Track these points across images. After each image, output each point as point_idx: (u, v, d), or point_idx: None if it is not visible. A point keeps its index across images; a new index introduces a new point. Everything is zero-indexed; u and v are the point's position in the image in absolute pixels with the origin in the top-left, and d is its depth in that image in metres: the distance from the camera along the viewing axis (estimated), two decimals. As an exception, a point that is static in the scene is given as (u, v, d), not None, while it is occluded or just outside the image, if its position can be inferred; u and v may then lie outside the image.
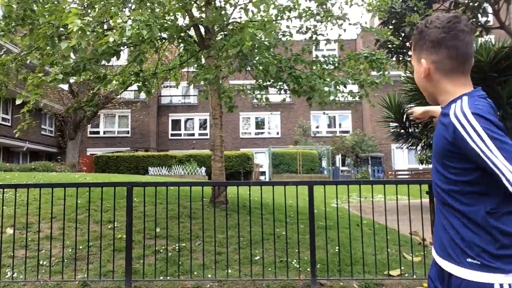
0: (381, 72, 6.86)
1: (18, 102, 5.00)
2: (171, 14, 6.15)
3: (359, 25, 7.11)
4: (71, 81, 6.69)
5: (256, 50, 5.96)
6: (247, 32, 5.24)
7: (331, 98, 6.89)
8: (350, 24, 7.07)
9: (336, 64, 6.90)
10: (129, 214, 4.21)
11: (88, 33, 4.16)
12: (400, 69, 10.13)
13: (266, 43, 6.03)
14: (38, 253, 4.30)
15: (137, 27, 4.46)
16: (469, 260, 1.30)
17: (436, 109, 1.66)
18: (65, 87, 20.84)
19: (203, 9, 6.65)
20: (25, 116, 5.67)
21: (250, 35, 5.21)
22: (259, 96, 7.83)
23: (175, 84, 8.58)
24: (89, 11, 5.42)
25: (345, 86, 7.10)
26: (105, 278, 4.13)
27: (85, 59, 5.02)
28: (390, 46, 9.00)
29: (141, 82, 6.05)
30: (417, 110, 1.95)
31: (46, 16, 4.82)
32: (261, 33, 5.48)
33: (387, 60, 7.04)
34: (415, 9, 8.60)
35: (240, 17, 7.14)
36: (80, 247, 4.74)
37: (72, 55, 4.42)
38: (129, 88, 7.76)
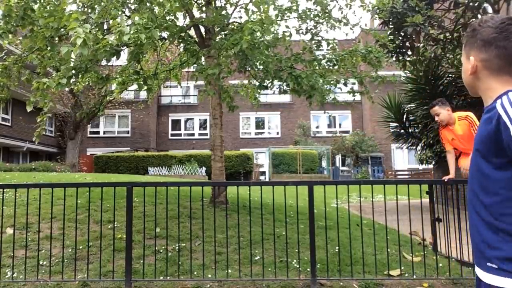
0: (376, 69, 6.88)
1: (28, 109, 4.99)
2: (171, 14, 6.15)
3: (359, 27, 7.13)
4: (71, 81, 6.65)
5: (256, 50, 5.96)
6: (246, 27, 5.23)
7: (331, 96, 6.90)
8: (350, 28, 7.09)
9: (335, 61, 6.90)
10: (129, 214, 4.22)
11: (90, 43, 4.16)
12: (399, 68, 10.13)
13: (265, 42, 6.03)
14: (38, 253, 4.30)
15: (135, 31, 4.46)
16: (488, 264, 1.27)
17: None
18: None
19: (203, 8, 6.66)
20: (42, 122, 5.66)
21: (249, 30, 5.20)
22: (255, 97, 7.84)
23: (177, 83, 8.60)
24: (89, 10, 5.42)
25: (345, 85, 7.11)
26: (105, 278, 4.13)
27: (86, 60, 5.02)
28: (389, 46, 8.99)
29: (141, 80, 6.05)
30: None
31: (46, 18, 4.82)
32: (260, 29, 5.46)
33: (383, 55, 7.04)
34: (416, 9, 8.59)
35: (240, 17, 7.14)
36: (80, 247, 4.74)
37: (72, 54, 4.41)
38: (129, 88, 7.77)
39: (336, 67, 6.98)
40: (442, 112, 4.73)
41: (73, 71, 5.12)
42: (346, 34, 7.36)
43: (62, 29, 5.06)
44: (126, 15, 5.20)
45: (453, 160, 4.92)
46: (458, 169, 4.94)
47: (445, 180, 4.53)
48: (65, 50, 4.21)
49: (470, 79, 1.45)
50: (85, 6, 5.52)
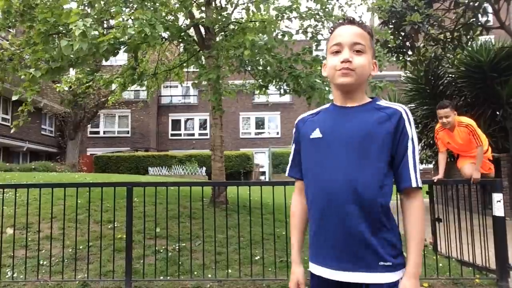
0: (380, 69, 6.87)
1: (14, 98, 4.98)
2: (172, 14, 6.14)
3: None
4: (72, 71, 6.64)
5: (256, 51, 5.94)
6: (246, 38, 5.19)
7: (331, 97, 6.89)
8: None
9: None
10: (129, 214, 4.21)
11: (90, 37, 4.15)
12: (400, 68, 10.12)
13: (268, 46, 6.02)
14: (38, 253, 4.30)
15: (139, 25, 4.43)
16: (381, 263, 1.32)
17: None
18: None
19: (203, 8, 6.65)
20: (23, 113, 5.63)
21: (251, 42, 5.15)
22: (260, 94, 7.85)
23: (179, 82, 8.60)
24: (88, 10, 5.41)
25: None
26: (105, 278, 4.13)
27: (83, 55, 4.98)
28: (390, 45, 8.98)
29: (136, 76, 6.03)
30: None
31: (45, 13, 4.80)
32: (261, 36, 5.43)
33: (385, 57, 7.03)
34: (415, 8, 8.59)
35: (242, 18, 7.13)
36: (80, 247, 4.74)
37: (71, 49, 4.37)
38: (130, 88, 7.77)
39: None
40: (451, 115, 4.73)
41: (69, 63, 5.07)
42: None
43: (60, 27, 5.03)
44: (127, 14, 5.19)
45: (444, 161, 5.04)
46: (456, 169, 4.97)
47: (435, 181, 4.62)
48: (65, 43, 4.18)
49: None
50: (85, 4, 5.51)
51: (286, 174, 1.62)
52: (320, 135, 1.43)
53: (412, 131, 1.37)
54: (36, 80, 4.90)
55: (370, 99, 1.47)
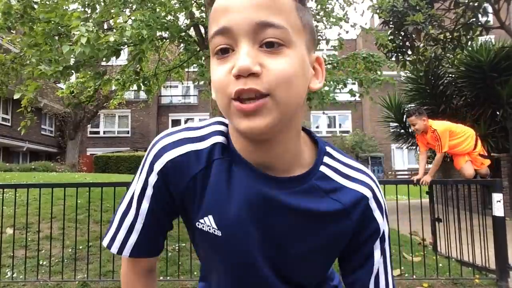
0: (378, 73, 6.93)
1: (16, 96, 4.98)
2: (172, 14, 6.15)
3: (359, 26, 7.13)
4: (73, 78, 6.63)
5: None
6: None
7: (330, 97, 6.91)
8: (351, 26, 7.11)
9: (335, 64, 6.92)
10: (129, 214, 4.21)
11: (92, 42, 4.16)
12: (399, 70, 10.12)
13: None
14: (38, 253, 4.30)
15: (137, 27, 4.45)
16: None
17: None
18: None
19: (203, 8, 6.66)
20: (27, 110, 5.62)
21: None
22: None
23: (181, 81, 8.63)
24: (89, 11, 5.42)
25: (344, 85, 7.12)
26: (105, 278, 4.13)
27: (86, 58, 5.00)
28: (389, 46, 8.99)
29: (140, 81, 6.04)
30: None
31: (47, 13, 4.80)
32: None
33: (385, 62, 7.08)
34: (417, 8, 8.58)
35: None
36: (80, 247, 4.73)
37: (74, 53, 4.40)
38: (130, 88, 7.79)
39: (336, 70, 7.00)
40: (418, 122, 5.02)
41: (73, 66, 5.11)
42: (347, 32, 7.39)
43: (62, 28, 5.04)
44: (127, 15, 5.19)
45: (424, 161, 5.24)
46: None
47: (414, 181, 4.71)
48: (67, 49, 4.20)
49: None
50: (86, 5, 5.51)
51: (124, 253, 0.80)
52: (218, 232, 0.75)
53: (385, 224, 0.79)
54: (45, 76, 4.90)
55: (310, 154, 0.77)
